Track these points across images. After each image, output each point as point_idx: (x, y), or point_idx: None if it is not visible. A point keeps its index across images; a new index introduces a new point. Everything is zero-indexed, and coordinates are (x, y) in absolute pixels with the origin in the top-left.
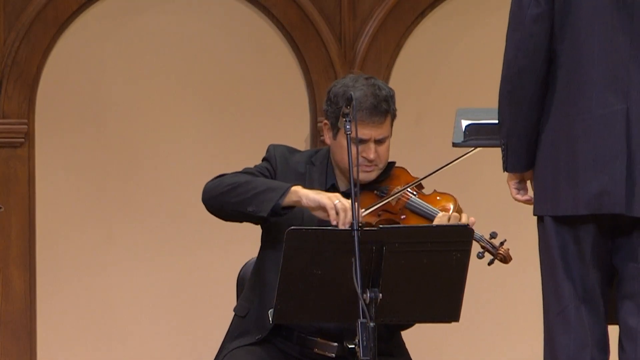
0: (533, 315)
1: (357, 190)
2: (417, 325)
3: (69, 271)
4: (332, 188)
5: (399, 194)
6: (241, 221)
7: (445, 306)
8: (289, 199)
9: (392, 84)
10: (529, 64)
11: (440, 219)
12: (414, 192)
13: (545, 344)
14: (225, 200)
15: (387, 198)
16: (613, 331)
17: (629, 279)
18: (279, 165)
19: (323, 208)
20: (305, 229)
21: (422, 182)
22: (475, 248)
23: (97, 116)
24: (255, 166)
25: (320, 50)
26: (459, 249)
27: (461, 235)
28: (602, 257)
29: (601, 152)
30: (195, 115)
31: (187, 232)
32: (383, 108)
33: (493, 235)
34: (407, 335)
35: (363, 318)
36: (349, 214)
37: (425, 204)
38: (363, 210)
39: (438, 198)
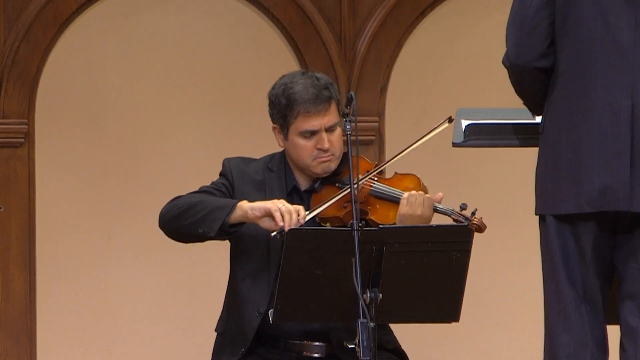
0: (533, 315)
1: (357, 191)
2: (417, 325)
3: (69, 271)
4: (294, 190)
5: (359, 182)
6: (201, 241)
7: (445, 306)
8: (235, 215)
9: (392, 84)
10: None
11: (406, 200)
12: (376, 178)
13: (545, 343)
14: (179, 223)
15: (347, 189)
16: (613, 331)
17: (630, 280)
18: (235, 178)
19: (268, 213)
20: (305, 229)
21: (382, 166)
22: (448, 222)
23: (97, 116)
24: (212, 183)
25: (320, 50)
26: (459, 249)
27: (461, 235)
28: (603, 257)
29: (605, 149)
30: (195, 115)
31: None
32: (325, 95)
33: (463, 207)
34: (407, 335)
35: (363, 318)
36: (294, 215)
37: (389, 187)
38: (322, 204)
39: (401, 180)
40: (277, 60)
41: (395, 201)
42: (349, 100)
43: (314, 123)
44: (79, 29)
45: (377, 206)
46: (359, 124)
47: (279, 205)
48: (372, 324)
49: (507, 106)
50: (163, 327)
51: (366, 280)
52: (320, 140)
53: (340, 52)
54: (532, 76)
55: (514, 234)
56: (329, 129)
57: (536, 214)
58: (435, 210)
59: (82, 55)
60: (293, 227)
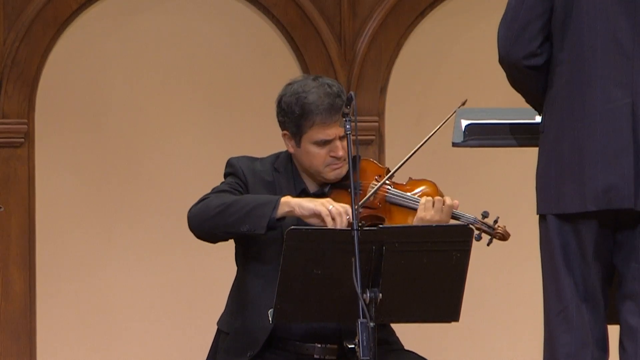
0: (533, 315)
1: (357, 192)
2: (417, 325)
3: (69, 271)
4: (303, 192)
5: (377, 188)
6: (227, 239)
7: (445, 306)
8: (281, 211)
9: (392, 84)
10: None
11: (424, 205)
12: (390, 184)
13: (545, 342)
14: (217, 223)
15: (369, 195)
16: (613, 331)
17: (630, 279)
18: (248, 177)
19: (318, 215)
20: (305, 228)
21: (394, 171)
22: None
23: (97, 116)
24: (225, 183)
25: (320, 50)
26: (459, 249)
27: (461, 235)
28: (603, 256)
29: (608, 147)
30: (195, 115)
31: (187, 232)
32: (339, 105)
33: (485, 215)
34: (407, 335)
35: (363, 318)
36: (344, 217)
37: (405, 193)
38: (366, 198)
39: (416, 185)
40: (277, 60)
41: (412, 207)
42: (349, 100)
43: (329, 132)
44: (79, 29)
45: (394, 213)
46: (359, 124)
47: (329, 207)
48: (372, 324)
49: (507, 106)
50: (163, 326)
51: (366, 280)
52: (334, 149)
53: (340, 52)
54: (522, 73)
55: (514, 233)
56: (342, 137)
57: (538, 214)
58: (455, 216)
59: (82, 55)
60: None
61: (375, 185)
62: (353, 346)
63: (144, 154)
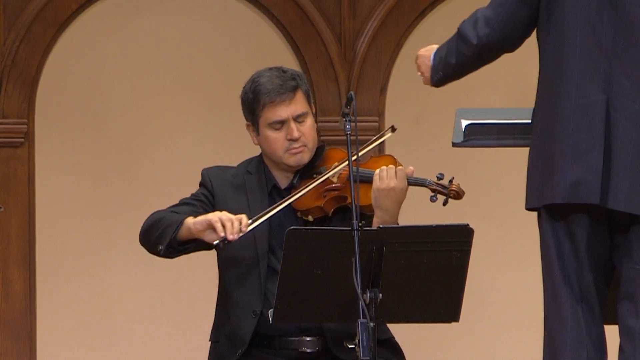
0: (533, 315)
1: (357, 191)
2: (416, 325)
3: (69, 271)
4: (274, 189)
5: (337, 170)
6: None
7: (445, 306)
8: (181, 232)
9: (392, 84)
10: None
11: (378, 176)
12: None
13: (544, 341)
14: (147, 239)
15: (325, 174)
16: (614, 332)
17: (626, 280)
18: (215, 186)
19: (209, 224)
20: (305, 228)
21: (359, 154)
22: (426, 193)
23: (97, 116)
24: (192, 194)
25: (320, 50)
26: (459, 249)
27: (461, 235)
28: (599, 256)
29: (579, 142)
30: (195, 115)
31: None
32: (290, 85)
33: (440, 177)
34: (406, 334)
35: (363, 318)
36: (236, 223)
37: (364, 169)
38: (302, 190)
39: (377, 162)
40: (277, 60)
41: (368, 181)
42: (349, 100)
43: (281, 113)
44: (79, 29)
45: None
46: (359, 124)
47: (219, 215)
48: (372, 324)
49: (507, 106)
50: (163, 327)
51: (366, 280)
52: (289, 130)
53: (340, 52)
54: (492, 58)
55: (514, 233)
56: (298, 119)
57: (525, 209)
58: (410, 182)
59: (82, 55)
60: (235, 235)
61: (334, 167)
62: (353, 346)
63: (143, 154)
